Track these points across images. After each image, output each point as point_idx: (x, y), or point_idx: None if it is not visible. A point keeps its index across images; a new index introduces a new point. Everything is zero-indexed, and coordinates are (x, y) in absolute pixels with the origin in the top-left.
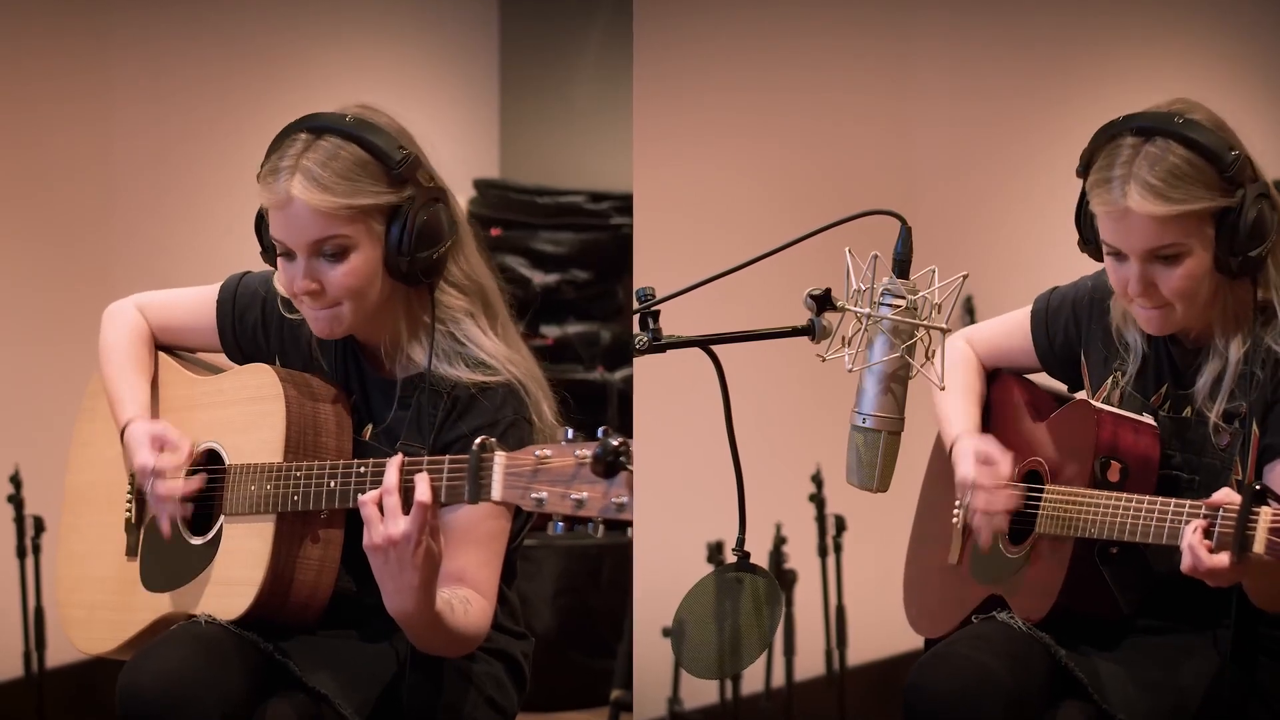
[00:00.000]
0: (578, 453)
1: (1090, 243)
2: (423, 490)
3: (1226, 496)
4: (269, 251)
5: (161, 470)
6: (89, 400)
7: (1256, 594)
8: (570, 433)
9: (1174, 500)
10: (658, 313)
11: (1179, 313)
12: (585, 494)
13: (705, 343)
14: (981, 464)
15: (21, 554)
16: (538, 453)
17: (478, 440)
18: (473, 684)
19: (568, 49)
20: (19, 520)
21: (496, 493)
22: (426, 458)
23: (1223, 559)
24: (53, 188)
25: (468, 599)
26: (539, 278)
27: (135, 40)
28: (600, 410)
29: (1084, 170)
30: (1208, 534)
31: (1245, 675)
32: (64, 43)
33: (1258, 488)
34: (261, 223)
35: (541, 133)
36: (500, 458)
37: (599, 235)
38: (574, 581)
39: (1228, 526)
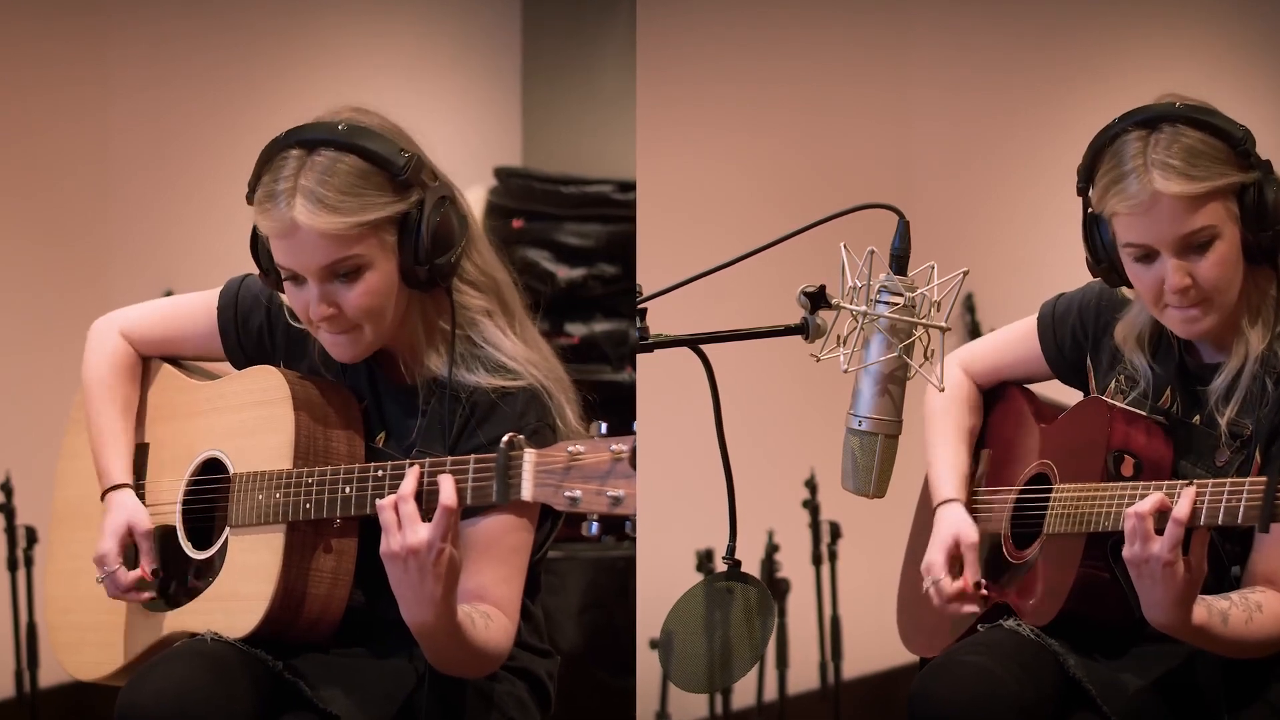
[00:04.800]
0: (613, 447)
1: (1103, 261)
2: (448, 492)
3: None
4: (270, 274)
5: (117, 580)
6: (77, 412)
7: (1154, 604)
8: (604, 427)
9: (1196, 481)
10: (644, 311)
11: (1215, 307)
12: (622, 491)
13: (694, 342)
14: (952, 558)
15: (13, 566)
16: (570, 449)
17: (506, 437)
18: (494, 704)
19: (593, 30)
20: (10, 531)
21: (527, 492)
22: (450, 459)
23: (1164, 550)
24: (46, 184)
25: (489, 614)
26: (564, 272)
27: (134, 24)
28: (629, 414)
29: (1085, 182)
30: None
31: (1256, 685)
32: (59, 29)
33: None
34: (257, 245)
35: (566, 118)
36: (530, 455)
37: (628, 227)
38: (600, 596)
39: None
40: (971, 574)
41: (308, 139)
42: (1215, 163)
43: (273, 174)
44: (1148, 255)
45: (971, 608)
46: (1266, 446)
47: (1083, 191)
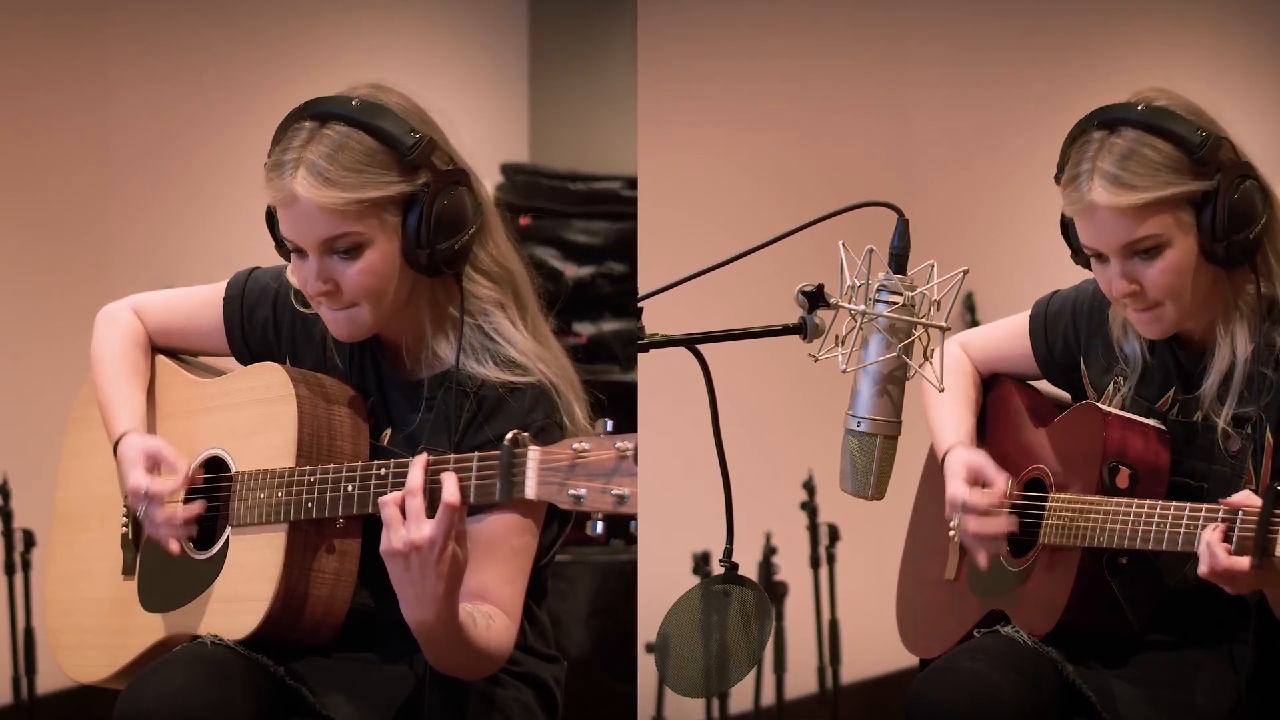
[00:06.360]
0: (618, 445)
1: (1080, 252)
2: (450, 490)
3: (1246, 499)
4: (283, 245)
5: (156, 495)
6: (79, 410)
7: (1277, 603)
8: (610, 424)
9: (1189, 504)
10: (640, 310)
11: (1170, 311)
12: (628, 489)
13: (691, 342)
14: (973, 484)
15: (10, 570)
16: (575, 446)
17: (510, 434)
18: (500, 711)
19: (600, 26)
20: (8, 534)
21: (530, 490)
22: (453, 456)
23: (1242, 561)
24: (45, 181)
25: (490, 614)
26: (571, 270)
27: (134, 22)
28: (637, 414)
29: (1060, 174)
30: (1227, 537)
31: (1263, 694)
32: (59, 27)
33: (1279, 488)
34: (274, 217)
35: (573, 115)
36: (534, 452)
37: (636, 225)
38: (609, 600)
39: (1248, 530)
40: (999, 483)
41: (321, 112)
42: (1164, 171)
43: (283, 144)
44: (1099, 256)
45: (1003, 525)
46: (1278, 424)
47: (1058, 181)
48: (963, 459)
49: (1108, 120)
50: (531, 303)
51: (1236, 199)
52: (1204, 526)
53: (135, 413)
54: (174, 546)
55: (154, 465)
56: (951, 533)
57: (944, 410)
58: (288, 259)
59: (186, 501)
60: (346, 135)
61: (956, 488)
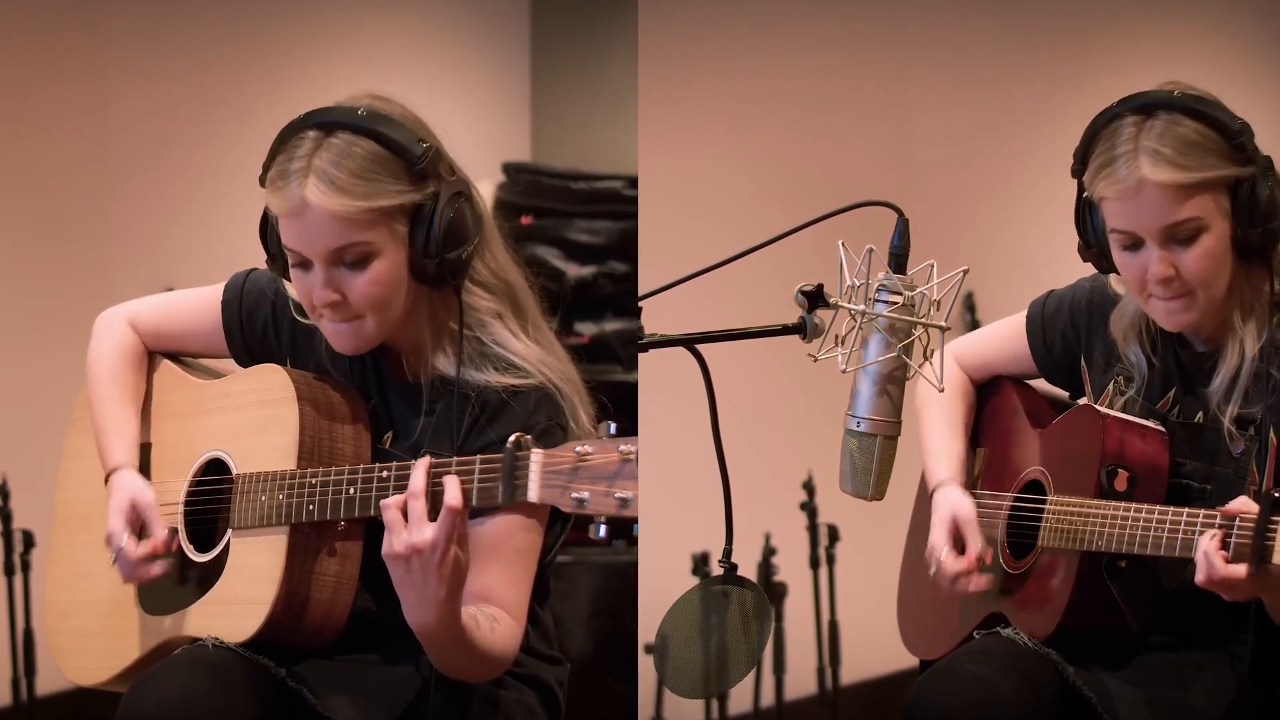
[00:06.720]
0: (621, 448)
1: (1093, 246)
2: (453, 493)
3: (1244, 505)
4: (277, 260)
5: (126, 555)
6: (79, 410)
7: (1275, 610)
8: (613, 427)
9: (1186, 510)
10: (640, 310)
11: (1200, 300)
12: (631, 493)
13: (690, 342)
14: (953, 539)
15: (9, 571)
16: (578, 449)
17: (512, 437)
18: (502, 713)
19: (602, 25)
20: (7, 535)
21: (533, 493)
22: (456, 459)
23: (1239, 570)
24: (45, 181)
25: (494, 616)
26: (573, 270)
27: (134, 21)
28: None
29: (1080, 165)
30: (1224, 544)
31: (1263, 694)
32: (59, 26)
33: (1277, 495)
34: (266, 229)
35: (575, 114)
36: (537, 455)
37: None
38: (611, 601)
39: (1245, 536)
40: (974, 548)
41: (326, 121)
42: (1207, 154)
43: (287, 154)
44: (1134, 243)
45: (980, 583)
46: None
47: (1077, 174)
48: (949, 507)
49: (1142, 105)
50: (532, 309)
51: (1266, 190)
52: (1201, 533)
53: (127, 444)
54: (155, 570)
55: (134, 522)
56: None
57: (935, 436)
58: (282, 274)
59: (188, 505)
60: (354, 142)
61: (938, 538)
